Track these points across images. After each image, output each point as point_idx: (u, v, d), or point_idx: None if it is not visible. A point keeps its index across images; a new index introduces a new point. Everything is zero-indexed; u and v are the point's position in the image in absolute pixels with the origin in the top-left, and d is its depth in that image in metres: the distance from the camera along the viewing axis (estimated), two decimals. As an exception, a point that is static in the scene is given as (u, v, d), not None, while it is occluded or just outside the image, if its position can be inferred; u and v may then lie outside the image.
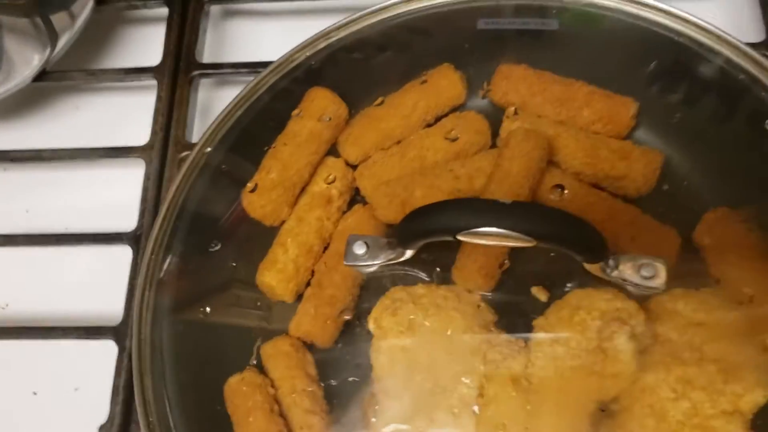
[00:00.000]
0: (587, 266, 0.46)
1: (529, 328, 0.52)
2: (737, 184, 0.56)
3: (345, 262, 0.51)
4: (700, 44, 0.60)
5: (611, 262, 0.47)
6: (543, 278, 0.55)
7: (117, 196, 0.71)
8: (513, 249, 0.55)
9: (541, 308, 0.53)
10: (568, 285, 0.53)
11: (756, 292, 0.52)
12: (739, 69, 0.58)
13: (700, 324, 0.52)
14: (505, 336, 0.53)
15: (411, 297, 0.55)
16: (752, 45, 0.61)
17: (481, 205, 0.44)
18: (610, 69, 0.62)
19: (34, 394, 0.67)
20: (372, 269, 0.51)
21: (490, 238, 0.41)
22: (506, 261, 0.55)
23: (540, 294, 0.54)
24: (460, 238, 0.42)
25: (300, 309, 0.56)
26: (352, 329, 0.56)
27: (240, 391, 0.52)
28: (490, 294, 0.54)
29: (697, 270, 0.54)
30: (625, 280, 0.47)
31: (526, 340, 0.52)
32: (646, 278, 0.46)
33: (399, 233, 0.46)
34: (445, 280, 0.53)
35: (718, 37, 0.60)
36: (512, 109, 0.59)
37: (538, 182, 0.56)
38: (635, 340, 0.49)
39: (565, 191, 0.53)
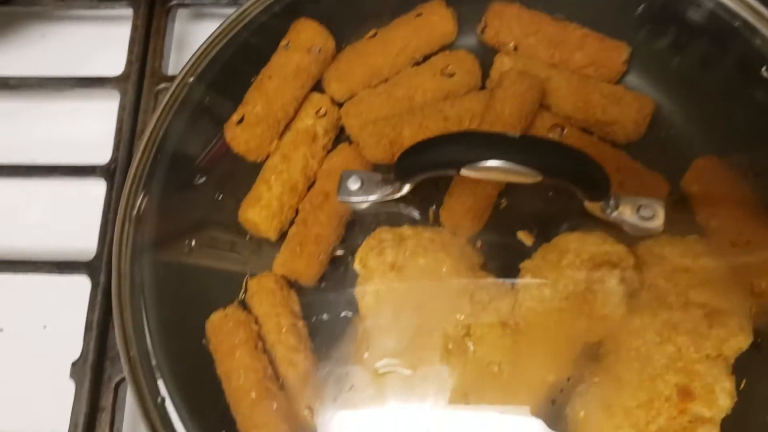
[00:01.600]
0: (588, 205, 0.46)
1: (516, 272, 0.52)
2: (727, 132, 0.56)
3: (339, 198, 0.50)
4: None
5: (612, 202, 0.46)
6: (529, 223, 0.54)
7: (89, 128, 0.68)
8: (501, 192, 0.55)
9: (527, 253, 0.53)
10: (555, 230, 0.53)
11: (742, 239, 0.53)
12: (732, 15, 0.57)
13: (687, 270, 0.52)
14: (492, 278, 0.52)
15: (397, 238, 0.55)
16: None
17: (488, 138, 0.43)
18: (602, 12, 0.60)
19: (1, 331, 0.65)
20: (365, 206, 0.50)
21: (496, 172, 0.41)
22: (493, 204, 0.54)
23: (526, 238, 0.54)
24: (464, 172, 0.41)
25: (284, 247, 0.55)
26: (337, 269, 0.55)
27: (223, 328, 0.51)
28: (476, 237, 0.54)
29: (684, 217, 0.54)
30: (623, 220, 0.47)
31: (513, 283, 0.52)
32: (644, 219, 0.46)
33: (398, 167, 0.45)
34: (435, 220, 0.52)
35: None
36: (511, 45, 0.58)
37: (529, 125, 0.55)
38: (624, 283, 0.49)
39: (564, 131, 0.52)
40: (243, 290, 0.53)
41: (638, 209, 0.46)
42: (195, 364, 0.50)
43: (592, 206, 0.46)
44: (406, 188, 0.47)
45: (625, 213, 0.47)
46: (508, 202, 0.55)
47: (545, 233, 0.53)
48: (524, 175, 0.40)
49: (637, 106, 0.56)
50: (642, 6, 0.60)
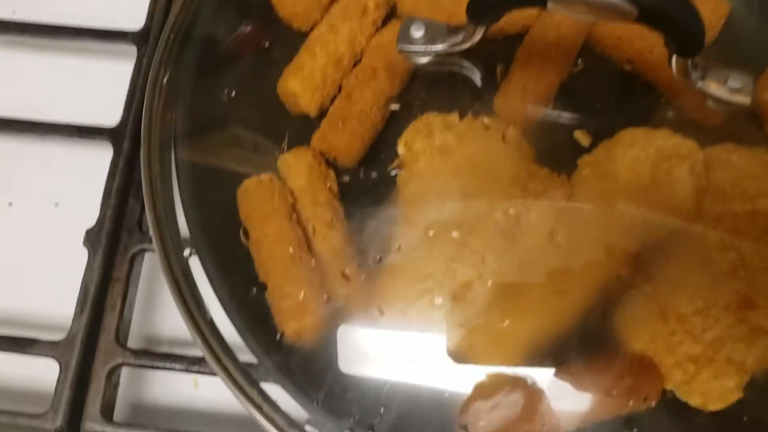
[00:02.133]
0: (676, 63, 0.42)
1: (573, 168, 0.49)
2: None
3: (398, 47, 0.46)
4: None
5: (699, 68, 0.43)
6: (587, 123, 0.50)
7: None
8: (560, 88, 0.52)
9: (584, 153, 0.49)
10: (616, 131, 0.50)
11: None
12: None
13: (755, 178, 0.49)
14: (546, 171, 0.49)
15: (446, 123, 0.51)
16: None
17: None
18: None
19: (10, 204, 0.62)
20: (426, 59, 0.46)
21: (587, 6, 0.37)
22: (553, 96, 0.51)
23: (582, 138, 0.50)
24: (551, 6, 0.37)
25: (325, 122, 0.51)
26: (378, 153, 0.51)
27: (256, 194, 0.47)
28: (531, 131, 0.50)
29: (752, 127, 0.51)
30: (709, 91, 0.43)
31: (570, 177, 0.49)
32: (732, 91, 0.42)
33: (473, 2, 0.41)
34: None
35: None
36: None
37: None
38: (694, 177, 0.46)
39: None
40: (285, 161, 0.49)
41: (726, 80, 0.42)
42: (224, 228, 0.47)
43: (679, 66, 0.42)
44: (479, 34, 0.43)
45: (712, 82, 0.43)
46: (567, 98, 0.51)
47: (604, 134, 0.50)
48: (618, 11, 0.36)
49: (711, 6, 0.53)
50: None
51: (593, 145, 0.50)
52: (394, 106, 0.49)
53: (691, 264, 0.46)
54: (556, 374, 0.44)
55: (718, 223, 0.47)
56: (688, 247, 0.47)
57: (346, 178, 0.50)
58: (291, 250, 0.44)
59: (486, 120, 0.51)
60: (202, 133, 0.51)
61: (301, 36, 0.53)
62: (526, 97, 0.50)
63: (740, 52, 0.54)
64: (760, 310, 0.45)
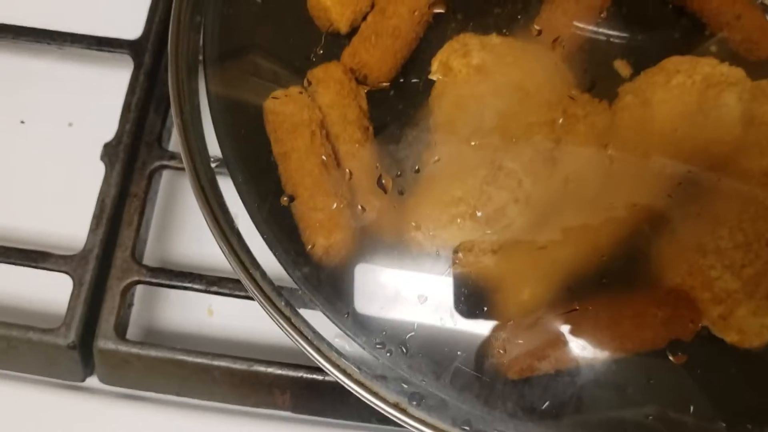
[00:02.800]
0: None
1: (614, 96, 0.47)
2: None
3: None
4: None
5: None
6: (628, 53, 0.48)
7: None
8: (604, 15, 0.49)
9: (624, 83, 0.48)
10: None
11: None
12: None
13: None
14: (587, 95, 0.47)
15: (483, 44, 0.49)
16: None
17: None
18: None
19: (22, 122, 0.60)
20: None
21: None
22: (594, 21, 0.49)
23: (623, 68, 0.48)
24: None
25: (357, 37, 0.49)
26: (409, 75, 0.49)
27: (285, 107, 0.45)
28: (572, 56, 0.48)
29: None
30: None
31: (612, 104, 0.47)
32: None
33: None
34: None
35: None
36: None
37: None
38: (742, 104, 0.44)
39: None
40: (314, 75, 0.47)
41: None
42: (253, 142, 0.45)
43: None
44: None
45: None
46: (609, 26, 0.49)
47: (645, 65, 0.48)
48: None
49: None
50: None
51: (633, 76, 0.48)
52: (439, 8, 0.47)
53: (734, 198, 0.45)
54: (593, 305, 0.43)
55: (762, 158, 0.45)
56: (731, 180, 0.45)
57: (377, 96, 0.48)
58: (324, 159, 0.42)
59: (525, 43, 0.49)
60: (231, 45, 0.48)
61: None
62: (569, 19, 0.49)
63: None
64: (803, 247, 0.43)
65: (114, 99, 0.56)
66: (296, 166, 0.43)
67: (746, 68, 0.47)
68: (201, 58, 0.47)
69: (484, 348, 0.40)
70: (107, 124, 0.55)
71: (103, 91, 0.58)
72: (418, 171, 0.44)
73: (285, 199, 0.42)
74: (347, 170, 0.45)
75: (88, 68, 0.59)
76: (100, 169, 0.53)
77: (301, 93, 0.46)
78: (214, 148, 0.46)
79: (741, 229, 0.44)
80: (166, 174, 0.54)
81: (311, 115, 0.46)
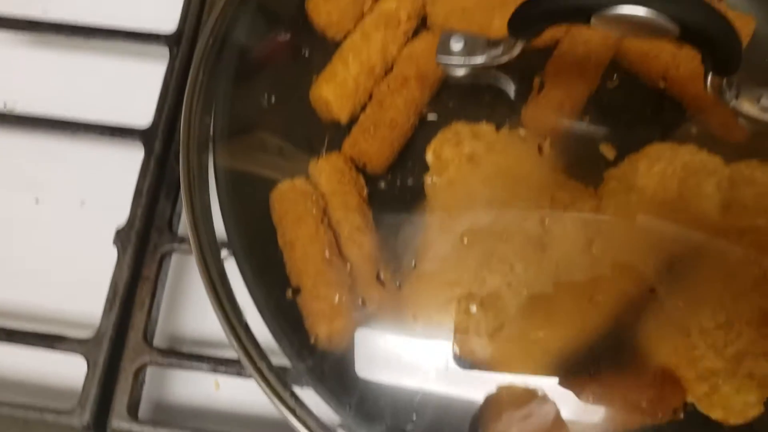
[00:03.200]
0: (711, 81, 0.43)
1: (599, 180, 0.50)
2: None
3: (437, 58, 0.46)
4: None
5: (734, 87, 0.43)
6: (613, 137, 0.51)
7: (153, -1, 0.65)
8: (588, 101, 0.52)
9: (609, 167, 0.50)
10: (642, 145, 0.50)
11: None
12: None
13: (778, 195, 0.50)
14: (574, 181, 0.50)
15: (474, 133, 0.52)
16: None
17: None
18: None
19: (37, 201, 0.63)
20: (464, 71, 0.47)
21: (630, 23, 0.37)
22: (581, 109, 0.52)
23: (608, 152, 0.51)
24: (594, 22, 0.38)
25: (356, 127, 0.52)
26: (407, 159, 0.52)
27: (290, 197, 0.48)
28: (558, 143, 0.51)
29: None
30: (742, 109, 0.44)
31: (597, 189, 0.49)
32: (765, 110, 0.43)
33: (516, 16, 0.41)
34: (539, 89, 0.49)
35: None
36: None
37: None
38: (720, 192, 0.47)
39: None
40: (316, 166, 0.50)
41: (759, 99, 0.43)
42: (260, 231, 0.48)
43: (714, 85, 0.43)
44: (518, 48, 0.44)
45: (745, 101, 0.44)
46: (594, 111, 0.52)
47: (629, 148, 0.50)
48: (660, 28, 0.37)
49: (738, 23, 0.53)
50: None
51: (618, 158, 0.51)
52: (432, 116, 0.50)
53: (715, 278, 0.47)
54: (581, 385, 0.45)
55: (741, 238, 0.48)
56: (712, 261, 0.47)
57: (375, 185, 0.51)
58: (326, 252, 0.45)
59: (514, 130, 0.52)
60: (239, 137, 0.52)
61: (335, 44, 0.54)
62: (555, 109, 0.51)
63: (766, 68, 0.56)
64: (783, 326, 0.46)
65: (125, 178, 0.58)
66: (300, 255, 0.46)
67: (725, 150, 0.50)
68: (210, 149, 0.50)
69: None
70: (119, 204, 0.57)
71: (115, 171, 0.60)
72: (420, 259, 0.46)
73: (290, 291, 0.45)
74: (349, 258, 0.47)
75: (101, 149, 0.62)
76: (112, 252, 0.55)
77: (304, 183, 0.49)
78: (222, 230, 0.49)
79: (723, 309, 0.46)
80: (175, 256, 0.57)
81: (314, 205, 0.49)
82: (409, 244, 0.48)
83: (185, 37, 0.60)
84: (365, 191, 0.51)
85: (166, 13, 0.62)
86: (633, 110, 0.53)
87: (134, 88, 0.62)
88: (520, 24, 0.42)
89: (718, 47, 0.38)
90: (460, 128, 0.52)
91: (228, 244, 0.46)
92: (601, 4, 0.36)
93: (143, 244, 0.55)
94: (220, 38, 0.51)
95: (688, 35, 0.37)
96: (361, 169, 0.51)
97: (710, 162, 0.48)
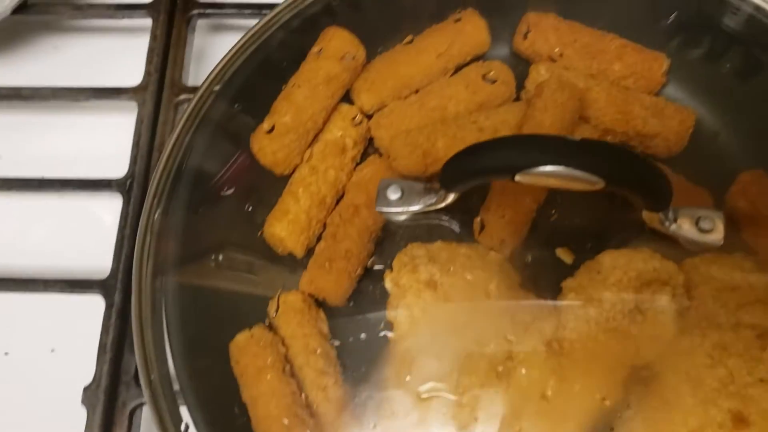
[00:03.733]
0: (646, 215, 0.43)
1: (558, 290, 0.50)
2: (772, 144, 0.54)
3: (377, 208, 0.47)
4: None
5: (670, 214, 0.44)
6: (569, 240, 0.52)
7: (104, 141, 0.66)
8: (539, 206, 0.53)
9: (569, 270, 0.50)
10: (598, 247, 0.50)
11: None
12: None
13: (735, 288, 0.49)
14: (532, 297, 0.50)
15: (430, 254, 0.52)
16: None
17: (545, 141, 0.40)
18: (638, 22, 0.58)
19: (6, 354, 0.62)
20: (403, 217, 0.47)
21: (554, 178, 0.38)
22: (532, 219, 0.52)
23: (565, 256, 0.51)
24: (519, 178, 0.38)
25: (312, 263, 0.52)
26: (366, 287, 0.52)
27: (248, 350, 0.48)
28: (514, 254, 0.51)
29: (730, 233, 0.52)
30: (682, 234, 0.44)
31: (556, 303, 0.49)
32: (704, 232, 0.44)
33: (445, 173, 0.42)
34: (480, 231, 0.49)
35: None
36: (550, 54, 0.55)
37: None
38: (675, 301, 0.47)
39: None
40: (275, 308, 0.50)
41: (697, 221, 0.44)
42: (220, 387, 0.47)
43: (650, 217, 0.44)
44: (452, 197, 0.45)
45: (684, 225, 0.44)
46: (547, 217, 0.52)
47: (586, 251, 0.51)
48: (585, 182, 0.38)
49: (678, 118, 0.54)
50: (675, 14, 0.58)
51: (576, 260, 0.51)
52: (378, 266, 0.50)
53: (681, 384, 0.47)
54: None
55: (704, 339, 0.48)
56: (677, 367, 0.47)
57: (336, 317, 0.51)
58: (286, 408, 0.44)
59: (469, 247, 0.52)
60: (194, 283, 0.52)
61: (285, 179, 0.55)
62: (506, 223, 0.51)
63: (712, 158, 0.56)
64: (755, 427, 0.45)
65: (94, 323, 0.58)
66: (263, 413, 0.45)
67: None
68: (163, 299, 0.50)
69: None
70: (89, 350, 0.57)
71: (83, 317, 0.59)
72: (381, 418, 0.46)
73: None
74: (313, 402, 0.47)
75: (67, 300, 0.61)
76: (82, 410, 0.54)
77: (262, 332, 0.49)
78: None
79: (693, 414, 0.46)
80: (146, 409, 0.55)
81: (274, 355, 0.48)
82: (373, 400, 0.47)
83: (136, 183, 0.61)
84: (327, 327, 0.51)
85: (116, 159, 0.63)
86: (585, 212, 0.53)
87: (89, 235, 0.62)
88: (449, 180, 0.42)
89: (644, 190, 0.39)
90: (416, 250, 0.52)
91: (189, 413, 0.45)
92: (523, 164, 0.37)
93: (111, 401, 0.54)
94: (164, 193, 0.52)
95: (613, 184, 0.37)
96: (321, 304, 0.52)
97: (664, 270, 0.48)
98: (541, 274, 0.51)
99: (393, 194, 0.46)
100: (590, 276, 0.50)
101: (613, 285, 0.48)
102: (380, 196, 0.47)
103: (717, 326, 0.48)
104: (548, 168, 0.37)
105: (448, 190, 0.44)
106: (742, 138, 0.55)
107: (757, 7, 0.56)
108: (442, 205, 0.46)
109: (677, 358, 0.47)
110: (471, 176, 0.42)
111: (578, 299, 0.49)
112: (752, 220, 0.53)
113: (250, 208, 0.53)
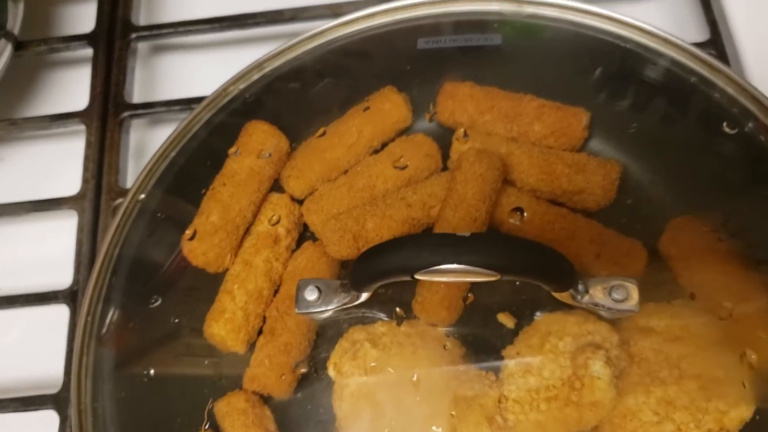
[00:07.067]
0: (556, 295, 0.43)
1: (499, 359, 0.50)
2: (699, 189, 0.54)
3: (297, 311, 0.47)
4: (646, 48, 0.58)
5: (581, 288, 0.44)
6: (509, 304, 0.51)
7: (49, 251, 0.67)
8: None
9: (509, 336, 0.50)
10: (537, 313, 0.50)
11: (728, 300, 0.50)
12: (687, 70, 0.57)
13: (676, 339, 0.49)
14: (474, 370, 0.50)
15: (371, 337, 0.52)
16: (698, 45, 0.60)
17: (438, 240, 0.41)
18: (558, 80, 0.59)
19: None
20: (326, 315, 0.48)
21: (452, 274, 0.38)
22: (468, 290, 0.52)
23: (506, 320, 0.51)
24: (418, 277, 0.39)
25: (253, 360, 0.52)
26: (311, 376, 0.52)
27: (195, 459, 0.48)
28: (454, 327, 0.51)
29: (665, 281, 0.52)
30: (596, 304, 0.44)
31: (497, 373, 0.49)
32: (618, 301, 0.44)
33: (352, 277, 0.43)
34: (407, 318, 0.49)
35: (664, 40, 0.58)
36: (462, 130, 0.56)
37: (494, 204, 0.53)
38: (611, 364, 0.47)
39: (525, 214, 0.50)
40: (205, 422, 0.50)
41: (610, 291, 0.44)
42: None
43: (561, 296, 0.44)
44: (365, 296, 0.45)
45: (597, 297, 0.44)
46: (483, 288, 0.52)
47: (527, 313, 0.51)
48: (480, 276, 0.38)
49: (603, 171, 0.55)
50: (599, 70, 0.59)
51: (518, 324, 0.51)
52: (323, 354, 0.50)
53: (630, 446, 0.47)
54: None
55: (649, 396, 0.47)
56: (624, 426, 0.47)
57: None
58: None
59: (409, 324, 0.52)
60: (135, 401, 0.51)
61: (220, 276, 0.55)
62: (443, 296, 0.51)
63: (641, 207, 0.56)
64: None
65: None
66: None
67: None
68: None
69: None
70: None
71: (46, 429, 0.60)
72: None
73: None
74: None
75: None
76: None
77: (207, 435, 0.49)
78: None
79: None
80: None
81: (221, 461, 0.48)
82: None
83: (81, 292, 0.61)
84: (274, 425, 0.50)
85: (61, 268, 0.63)
86: (524, 274, 0.53)
87: (40, 346, 0.63)
88: (358, 282, 0.43)
89: (543, 276, 0.39)
90: (356, 334, 0.52)
91: None
92: (419, 265, 0.37)
93: None
94: (101, 302, 0.52)
95: (510, 275, 0.37)
96: (266, 400, 0.52)
97: (597, 332, 0.48)
98: (484, 342, 0.51)
99: (310, 295, 0.46)
100: (528, 343, 0.50)
101: (550, 351, 0.48)
102: (299, 298, 0.47)
103: (661, 381, 0.48)
104: (443, 267, 0.37)
105: (359, 291, 0.45)
106: (671, 185, 0.55)
107: (674, 61, 0.57)
108: (357, 302, 0.46)
109: (623, 418, 0.47)
110: (375, 278, 0.43)
111: (518, 369, 0.49)
112: (686, 265, 0.53)
113: (184, 311, 0.53)
